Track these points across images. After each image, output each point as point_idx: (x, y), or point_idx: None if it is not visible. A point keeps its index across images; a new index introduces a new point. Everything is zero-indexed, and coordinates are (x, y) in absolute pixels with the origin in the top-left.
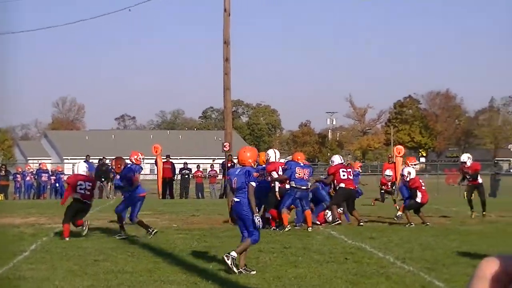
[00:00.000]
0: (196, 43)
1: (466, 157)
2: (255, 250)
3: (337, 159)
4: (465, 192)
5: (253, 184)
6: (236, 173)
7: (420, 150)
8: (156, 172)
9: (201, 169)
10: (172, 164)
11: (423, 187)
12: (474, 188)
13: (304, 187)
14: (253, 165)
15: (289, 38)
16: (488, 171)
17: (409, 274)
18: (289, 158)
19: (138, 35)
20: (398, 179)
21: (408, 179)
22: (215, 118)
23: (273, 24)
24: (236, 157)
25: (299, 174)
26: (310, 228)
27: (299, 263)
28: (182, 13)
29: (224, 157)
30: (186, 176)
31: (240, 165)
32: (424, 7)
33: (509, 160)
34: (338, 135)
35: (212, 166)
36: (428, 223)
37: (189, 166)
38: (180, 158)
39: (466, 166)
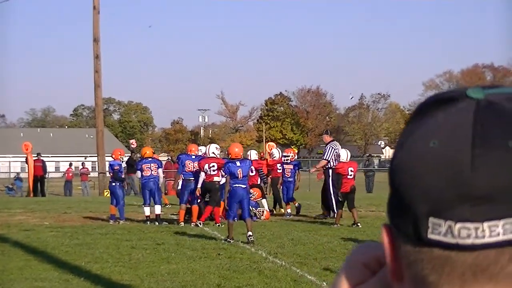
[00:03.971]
0: (66, 41)
1: (276, 151)
2: (128, 247)
3: None
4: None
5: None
6: (238, 165)
7: (292, 147)
8: (27, 170)
9: (72, 167)
10: (43, 161)
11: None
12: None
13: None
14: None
15: (159, 35)
16: (360, 166)
17: (281, 269)
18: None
19: (6, 30)
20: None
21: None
22: (87, 115)
23: (143, 22)
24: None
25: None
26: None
27: (172, 259)
28: (52, 9)
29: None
30: None
31: (232, 158)
32: (297, 4)
33: (379, 156)
34: (210, 132)
35: (83, 164)
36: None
37: (61, 164)
38: (51, 156)
39: (274, 160)
